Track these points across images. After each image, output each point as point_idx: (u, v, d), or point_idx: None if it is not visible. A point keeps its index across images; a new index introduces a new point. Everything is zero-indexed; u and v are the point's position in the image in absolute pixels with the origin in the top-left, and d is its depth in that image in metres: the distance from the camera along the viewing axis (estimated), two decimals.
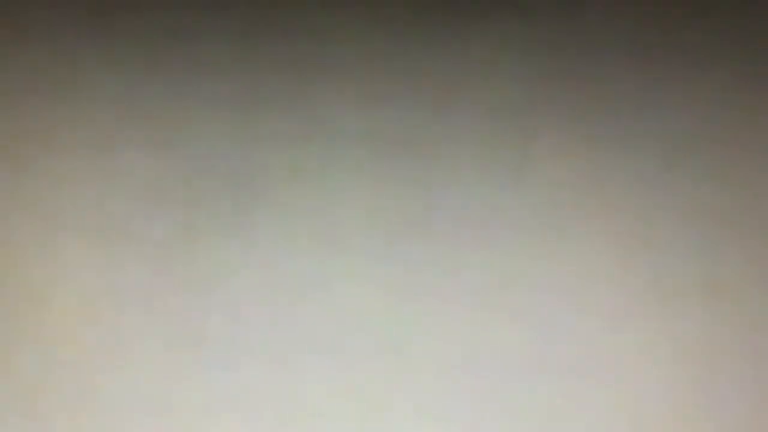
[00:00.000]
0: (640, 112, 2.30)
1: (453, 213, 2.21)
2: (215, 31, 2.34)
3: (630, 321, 2.10)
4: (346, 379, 2.05)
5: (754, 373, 2.05)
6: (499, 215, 2.21)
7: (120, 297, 2.12)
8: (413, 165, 2.26)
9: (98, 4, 2.36)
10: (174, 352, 2.07)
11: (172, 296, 2.12)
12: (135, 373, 2.05)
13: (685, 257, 2.16)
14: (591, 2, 2.40)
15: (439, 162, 2.26)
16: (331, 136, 2.28)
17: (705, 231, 2.18)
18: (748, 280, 2.13)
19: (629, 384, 2.04)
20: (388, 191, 2.23)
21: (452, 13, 2.40)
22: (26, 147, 2.26)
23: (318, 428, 2.00)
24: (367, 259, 2.17)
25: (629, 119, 2.30)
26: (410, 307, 2.12)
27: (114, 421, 2.01)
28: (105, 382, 2.04)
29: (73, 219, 2.20)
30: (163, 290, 2.13)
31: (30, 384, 2.04)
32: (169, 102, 2.30)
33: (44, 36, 2.34)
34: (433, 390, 2.04)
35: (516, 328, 2.09)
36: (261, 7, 2.37)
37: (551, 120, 2.30)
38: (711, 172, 2.24)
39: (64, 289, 2.13)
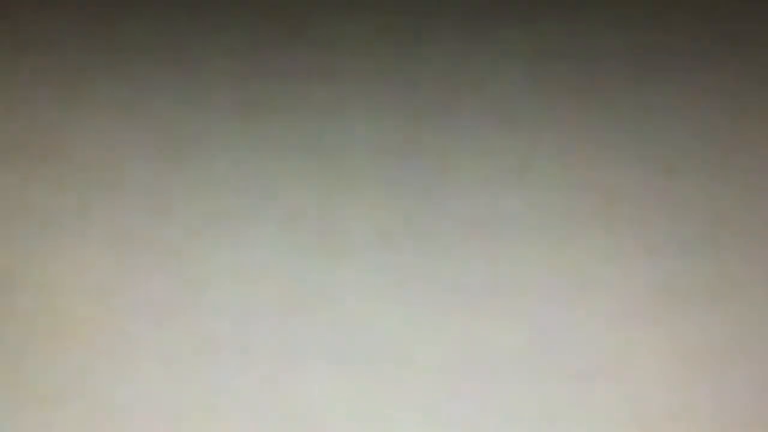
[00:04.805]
0: (642, 117, 2.31)
1: (457, 218, 2.22)
2: (222, 40, 2.36)
3: (633, 324, 2.10)
4: (351, 383, 2.05)
5: (759, 375, 2.05)
6: (504, 220, 2.21)
7: (127, 304, 2.13)
8: (418, 171, 2.27)
9: (106, 12, 2.37)
10: (181, 358, 2.07)
11: (179, 303, 2.13)
12: (142, 379, 2.06)
13: (688, 260, 2.16)
14: (592, 9, 2.41)
15: (443, 168, 2.27)
16: (337, 143, 2.29)
17: (708, 233, 2.19)
18: (752, 283, 2.13)
19: (632, 387, 2.04)
20: (393, 197, 2.24)
21: (456, 20, 2.41)
22: (33, 155, 2.27)
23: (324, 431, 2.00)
24: (371, 264, 2.17)
25: (631, 124, 2.30)
26: (415, 311, 2.12)
27: (121, 424, 2.01)
28: (112, 386, 2.05)
29: (81, 226, 2.21)
30: (170, 297, 2.13)
31: (38, 389, 2.05)
32: (176, 110, 2.31)
33: (52, 44, 2.35)
34: (439, 395, 2.04)
35: (521, 333, 2.10)
36: (268, 16, 2.39)
37: (554, 125, 2.30)
38: (713, 174, 2.24)
39: (72, 295, 2.14)
